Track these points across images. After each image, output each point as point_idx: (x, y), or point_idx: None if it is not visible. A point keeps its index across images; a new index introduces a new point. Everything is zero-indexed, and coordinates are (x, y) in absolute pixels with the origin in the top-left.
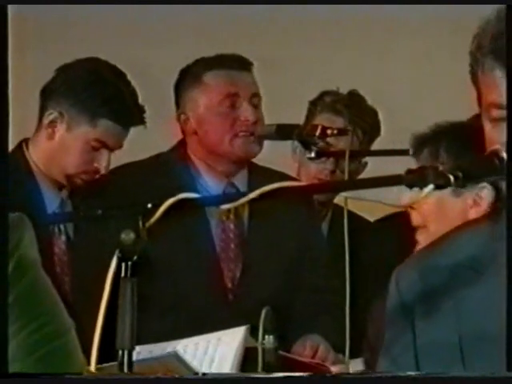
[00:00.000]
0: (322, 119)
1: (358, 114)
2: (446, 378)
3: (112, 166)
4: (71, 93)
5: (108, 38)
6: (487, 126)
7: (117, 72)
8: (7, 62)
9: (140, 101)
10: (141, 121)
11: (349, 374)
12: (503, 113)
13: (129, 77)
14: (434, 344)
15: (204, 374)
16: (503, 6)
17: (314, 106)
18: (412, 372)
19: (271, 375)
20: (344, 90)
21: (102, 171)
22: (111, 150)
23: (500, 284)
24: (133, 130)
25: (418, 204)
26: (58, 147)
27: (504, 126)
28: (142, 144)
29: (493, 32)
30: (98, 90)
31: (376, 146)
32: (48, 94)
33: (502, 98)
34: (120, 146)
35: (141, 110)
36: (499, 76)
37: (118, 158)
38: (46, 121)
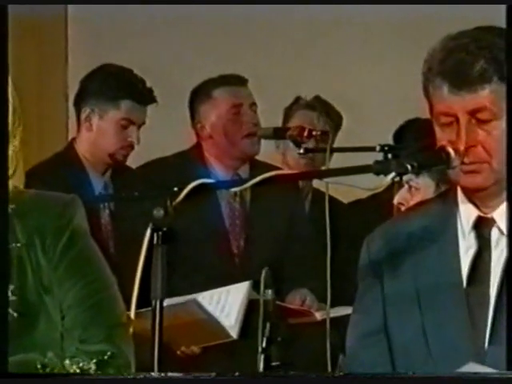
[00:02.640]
0: (300, 115)
1: (325, 108)
2: (446, 378)
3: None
4: (95, 91)
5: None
6: (437, 129)
7: (126, 69)
8: (7, 61)
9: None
10: (153, 100)
11: (348, 374)
12: (449, 119)
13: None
14: (397, 295)
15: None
16: (448, 36)
17: (290, 108)
18: (412, 372)
19: (271, 375)
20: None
21: (135, 144)
22: (138, 126)
23: (451, 250)
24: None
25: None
26: (96, 135)
27: (450, 129)
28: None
29: (439, 57)
30: (115, 82)
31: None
32: (79, 98)
33: (448, 109)
34: (143, 123)
35: (151, 91)
36: (445, 91)
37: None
38: (82, 117)
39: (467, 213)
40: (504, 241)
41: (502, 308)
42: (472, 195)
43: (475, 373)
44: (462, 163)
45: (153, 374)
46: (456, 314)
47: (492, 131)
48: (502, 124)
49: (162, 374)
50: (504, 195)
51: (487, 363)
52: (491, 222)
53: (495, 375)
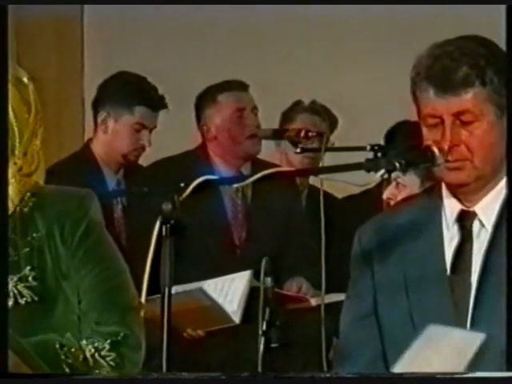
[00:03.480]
0: (302, 118)
1: (322, 115)
2: (446, 378)
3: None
4: (112, 97)
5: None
6: (424, 130)
7: (140, 77)
8: (7, 62)
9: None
10: (164, 106)
11: (348, 373)
12: (435, 120)
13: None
14: (386, 282)
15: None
16: (434, 44)
17: (291, 110)
18: (411, 373)
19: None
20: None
21: (146, 146)
22: (149, 129)
23: (436, 240)
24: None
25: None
26: (111, 137)
27: (436, 130)
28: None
29: (426, 64)
30: (130, 89)
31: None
32: (96, 103)
33: (434, 111)
34: (155, 126)
35: (162, 98)
36: (432, 95)
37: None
38: (99, 120)
39: (451, 207)
40: (484, 232)
41: (484, 294)
42: (455, 190)
43: (475, 373)
44: (447, 161)
45: (154, 374)
46: (440, 298)
47: (474, 131)
48: (484, 125)
49: (162, 375)
50: (486, 190)
51: None
52: (473, 215)
53: (495, 375)
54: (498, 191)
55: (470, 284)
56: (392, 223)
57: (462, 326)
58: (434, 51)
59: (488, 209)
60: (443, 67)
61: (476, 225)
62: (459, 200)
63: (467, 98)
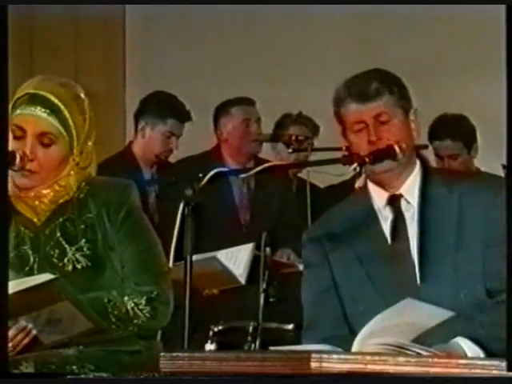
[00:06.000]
0: (294, 127)
1: (307, 124)
2: (447, 378)
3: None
4: (149, 110)
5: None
6: (351, 135)
7: (172, 95)
8: (7, 62)
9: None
10: (189, 118)
11: (348, 373)
12: (360, 126)
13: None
14: (340, 259)
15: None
16: (346, 79)
17: (285, 120)
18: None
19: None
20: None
21: (174, 149)
22: (177, 137)
23: (373, 223)
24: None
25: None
26: (148, 141)
27: (362, 133)
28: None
29: (345, 87)
30: (163, 105)
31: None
32: (137, 114)
33: (359, 118)
34: (181, 134)
35: (188, 112)
36: (355, 106)
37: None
38: (139, 128)
39: (379, 195)
40: (411, 208)
41: (424, 255)
42: (380, 180)
43: (475, 373)
44: (376, 154)
45: (156, 374)
46: (388, 262)
47: (390, 128)
48: (396, 123)
49: (163, 375)
50: (404, 176)
51: (421, 298)
52: (399, 197)
53: (495, 375)
54: (415, 176)
55: (408, 247)
56: (332, 223)
57: (413, 281)
58: (346, 82)
59: (410, 189)
60: (360, 85)
61: (403, 202)
62: (385, 189)
63: (381, 103)
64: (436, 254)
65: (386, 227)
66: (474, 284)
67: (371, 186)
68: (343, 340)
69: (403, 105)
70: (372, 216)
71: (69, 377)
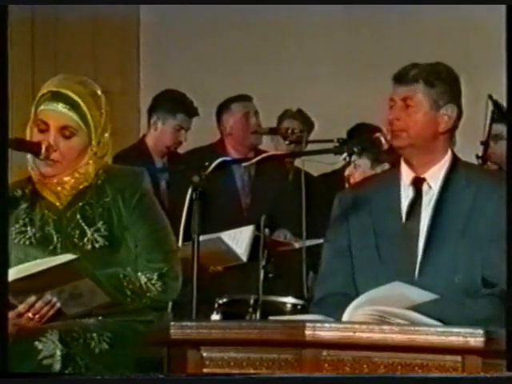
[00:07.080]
0: (289, 121)
1: (303, 119)
2: (447, 378)
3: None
4: (161, 106)
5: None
6: (387, 109)
7: (181, 93)
8: (7, 61)
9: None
10: (196, 113)
11: (347, 373)
12: (391, 103)
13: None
14: (359, 228)
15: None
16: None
17: (283, 115)
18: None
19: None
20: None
21: (183, 141)
22: (186, 130)
23: (395, 197)
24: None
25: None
26: (159, 134)
27: (391, 109)
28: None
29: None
30: (174, 101)
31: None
32: (151, 110)
33: (392, 95)
34: (189, 128)
35: (195, 108)
36: (393, 85)
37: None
38: (151, 122)
39: (407, 175)
40: (431, 192)
41: (431, 238)
42: (406, 159)
43: (475, 373)
44: (392, 131)
45: (154, 375)
46: (398, 238)
47: (413, 114)
48: (420, 110)
49: (163, 375)
50: (432, 163)
51: (420, 277)
52: (422, 180)
53: (495, 375)
54: (442, 164)
55: (418, 228)
56: (363, 190)
57: (414, 259)
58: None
59: (434, 175)
60: (406, 69)
61: (425, 186)
62: (413, 170)
63: (412, 89)
64: (442, 238)
65: (404, 206)
66: (471, 270)
67: (403, 165)
68: (349, 300)
69: (436, 98)
70: (396, 193)
71: (69, 377)
